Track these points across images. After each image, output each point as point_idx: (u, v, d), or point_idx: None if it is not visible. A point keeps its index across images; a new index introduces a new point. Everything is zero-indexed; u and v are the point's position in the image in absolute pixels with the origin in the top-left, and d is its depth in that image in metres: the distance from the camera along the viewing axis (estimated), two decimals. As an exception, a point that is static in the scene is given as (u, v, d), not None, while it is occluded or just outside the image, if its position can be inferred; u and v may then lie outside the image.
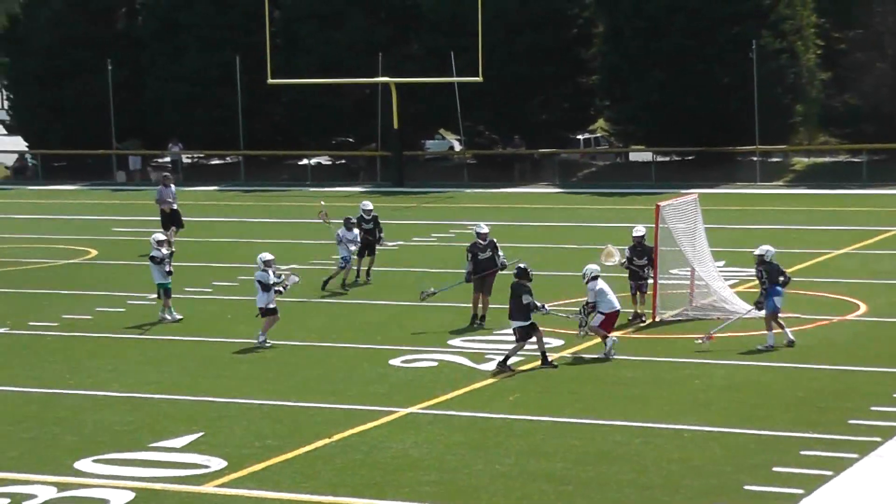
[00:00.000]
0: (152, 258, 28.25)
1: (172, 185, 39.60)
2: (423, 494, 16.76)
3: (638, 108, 57.04)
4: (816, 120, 57.99)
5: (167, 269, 28.14)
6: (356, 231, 31.66)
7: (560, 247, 34.01)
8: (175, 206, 38.95)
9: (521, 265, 23.78)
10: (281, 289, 25.88)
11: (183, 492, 17.08)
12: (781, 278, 24.34)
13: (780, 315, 24.32)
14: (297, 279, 26.59)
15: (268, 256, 26.05)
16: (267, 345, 25.35)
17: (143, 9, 66.71)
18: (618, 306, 24.14)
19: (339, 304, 29.65)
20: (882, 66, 55.49)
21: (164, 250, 28.30)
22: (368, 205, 33.01)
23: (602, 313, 23.92)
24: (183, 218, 39.24)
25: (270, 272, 25.72)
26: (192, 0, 63.71)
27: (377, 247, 32.51)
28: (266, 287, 25.57)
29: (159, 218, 39.08)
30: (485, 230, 27.28)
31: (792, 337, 24.28)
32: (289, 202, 52.58)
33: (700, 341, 24.30)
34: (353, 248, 31.33)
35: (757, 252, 24.66)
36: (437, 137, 68.44)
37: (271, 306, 25.62)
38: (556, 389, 21.77)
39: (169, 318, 28.07)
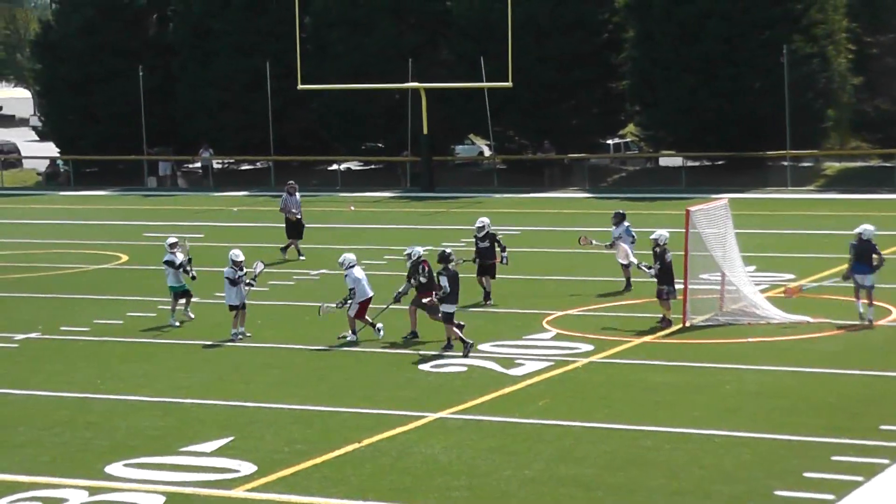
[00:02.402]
0: (170, 263, 28.38)
1: (297, 194, 38.57)
2: (452, 500, 16.75)
3: (668, 112, 56.94)
4: (848, 125, 57.76)
5: (192, 276, 28.31)
6: (626, 224, 30.32)
7: (588, 252, 33.91)
8: (299, 216, 38.10)
9: (448, 251, 25.46)
10: (251, 281, 26.81)
11: (213, 496, 17.11)
12: (875, 258, 25.97)
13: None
14: (262, 267, 27.54)
15: (239, 257, 26.86)
16: (247, 335, 26.48)
17: (174, 15, 66.94)
18: (371, 293, 25.91)
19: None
20: (914, 71, 55.38)
21: (180, 255, 28.42)
22: (485, 220, 29.86)
23: (358, 302, 25.68)
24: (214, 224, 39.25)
25: (238, 271, 26.65)
26: (223, 6, 63.94)
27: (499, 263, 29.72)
28: (234, 283, 26.42)
29: (283, 225, 38.46)
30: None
31: (870, 318, 25.92)
32: (319, 207, 52.59)
33: (786, 294, 27.78)
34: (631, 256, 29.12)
35: (856, 230, 26.56)
36: (466, 143, 68.43)
37: (241, 302, 26.49)
38: (585, 395, 21.73)
39: (177, 323, 28.22)
